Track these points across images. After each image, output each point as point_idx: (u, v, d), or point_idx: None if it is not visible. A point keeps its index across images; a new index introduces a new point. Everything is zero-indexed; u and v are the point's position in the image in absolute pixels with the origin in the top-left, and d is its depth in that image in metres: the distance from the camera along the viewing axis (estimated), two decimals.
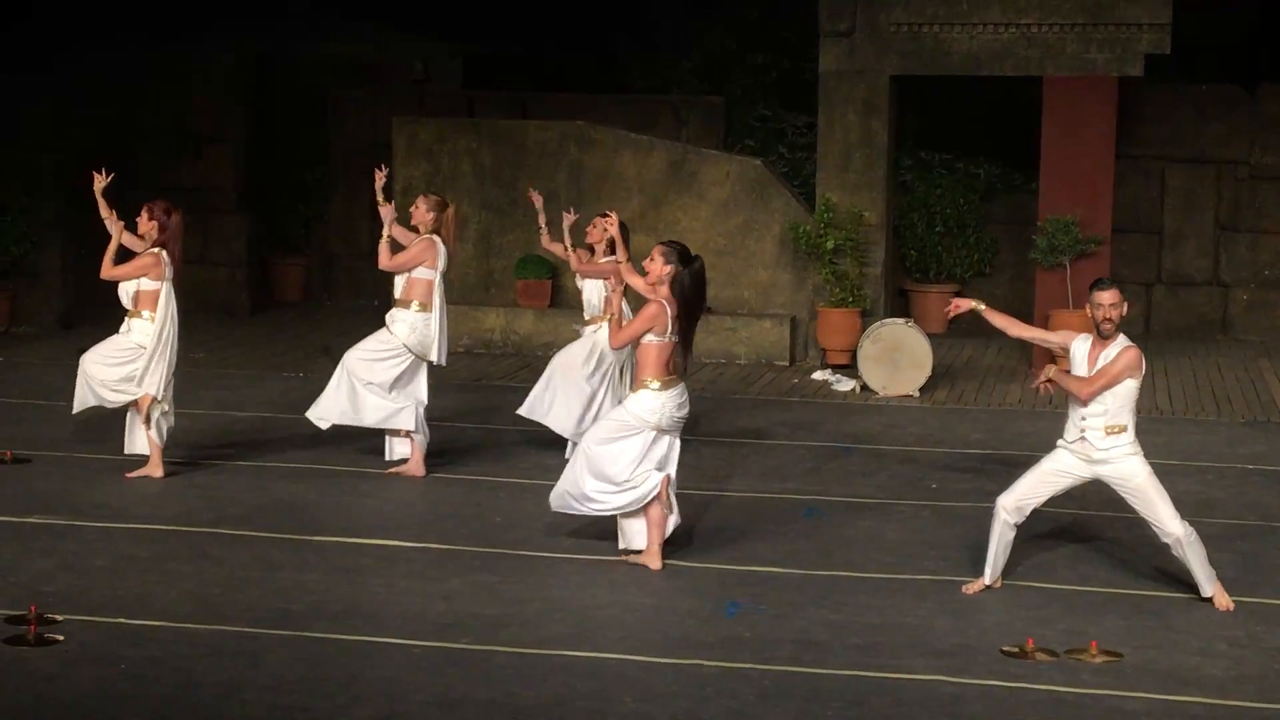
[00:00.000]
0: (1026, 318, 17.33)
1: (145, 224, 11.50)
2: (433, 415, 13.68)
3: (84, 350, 11.77)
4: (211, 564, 9.56)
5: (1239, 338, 18.55)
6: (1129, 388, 8.87)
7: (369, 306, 19.95)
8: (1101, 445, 8.88)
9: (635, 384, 9.69)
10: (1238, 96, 18.66)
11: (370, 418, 11.67)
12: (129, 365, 11.42)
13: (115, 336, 11.59)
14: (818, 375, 15.90)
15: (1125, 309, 8.95)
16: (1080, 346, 9.01)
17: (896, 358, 15.03)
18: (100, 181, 11.69)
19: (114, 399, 11.51)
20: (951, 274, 18.89)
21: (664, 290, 9.53)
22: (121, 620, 8.47)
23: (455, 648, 8.16)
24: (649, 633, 8.46)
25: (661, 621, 8.65)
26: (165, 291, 11.39)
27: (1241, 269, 18.78)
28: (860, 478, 11.93)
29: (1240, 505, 11.29)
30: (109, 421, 13.44)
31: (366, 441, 12.43)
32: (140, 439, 11.54)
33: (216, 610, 8.67)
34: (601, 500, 9.58)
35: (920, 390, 15.06)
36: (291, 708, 7.37)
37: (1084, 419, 8.91)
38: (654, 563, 9.55)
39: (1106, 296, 8.86)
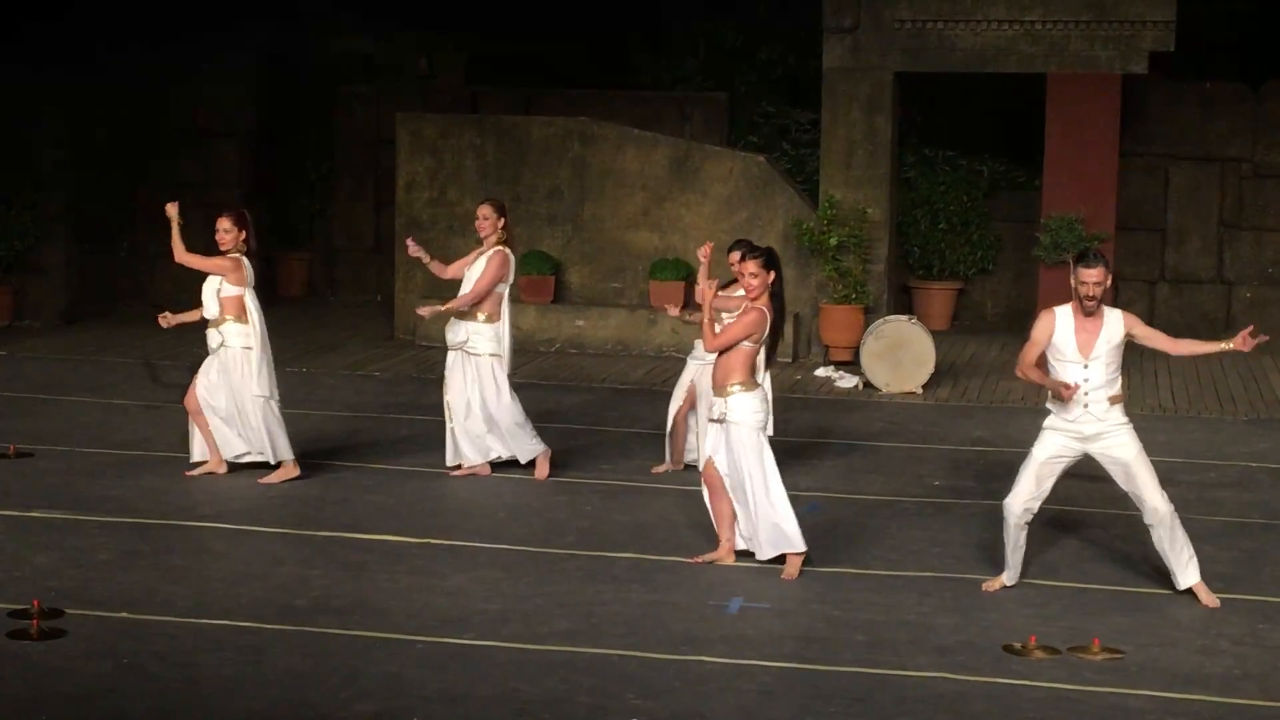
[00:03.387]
0: (1029, 315, 17.35)
1: (235, 236, 11.37)
2: (435, 411, 13.70)
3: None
4: (215, 558, 9.57)
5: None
6: (1122, 352, 8.94)
7: (372, 301, 20.00)
8: (1103, 416, 8.85)
9: (721, 389, 9.46)
10: (1242, 94, 18.66)
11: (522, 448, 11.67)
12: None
13: (214, 375, 11.39)
14: (820, 372, 15.90)
15: (1110, 282, 8.87)
16: (1064, 326, 8.86)
17: (899, 355, 15.03)
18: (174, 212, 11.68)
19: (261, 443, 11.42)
20: (955, 271, 18.89)
21: (764, 298, 9.51)
22: (124, 614, 8.48)
23: (458, 643, 8.17)
24: (651, 629, 8.47)
25: (664, 617, 8.66)
26: (249, 296, 11.33)
27: (1245, 267, 18.78)
28: (863, 475, 11.93)
29: (1243, 503, 11.29)
30: (111, 415, 13.46)
31: (373, 438, 12.46)
32: (199, 445, 11.51)
33: (220, 605, 8.68)
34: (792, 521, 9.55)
35: (923, 387, 15.06)
36: (294, 702, 7.37)
37: (1088, 393, 8.83)
38: (728, 557, 9.66)
39: (1093, 274, 8.75)
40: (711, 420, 9.62)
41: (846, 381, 15.47)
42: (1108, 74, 16.08)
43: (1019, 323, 18.43)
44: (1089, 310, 8.82)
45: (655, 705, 7.38)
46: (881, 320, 15.39)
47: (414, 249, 11.78)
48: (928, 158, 19.12)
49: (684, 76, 20.56)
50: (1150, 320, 18.63)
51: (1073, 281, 8.86)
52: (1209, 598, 8.91)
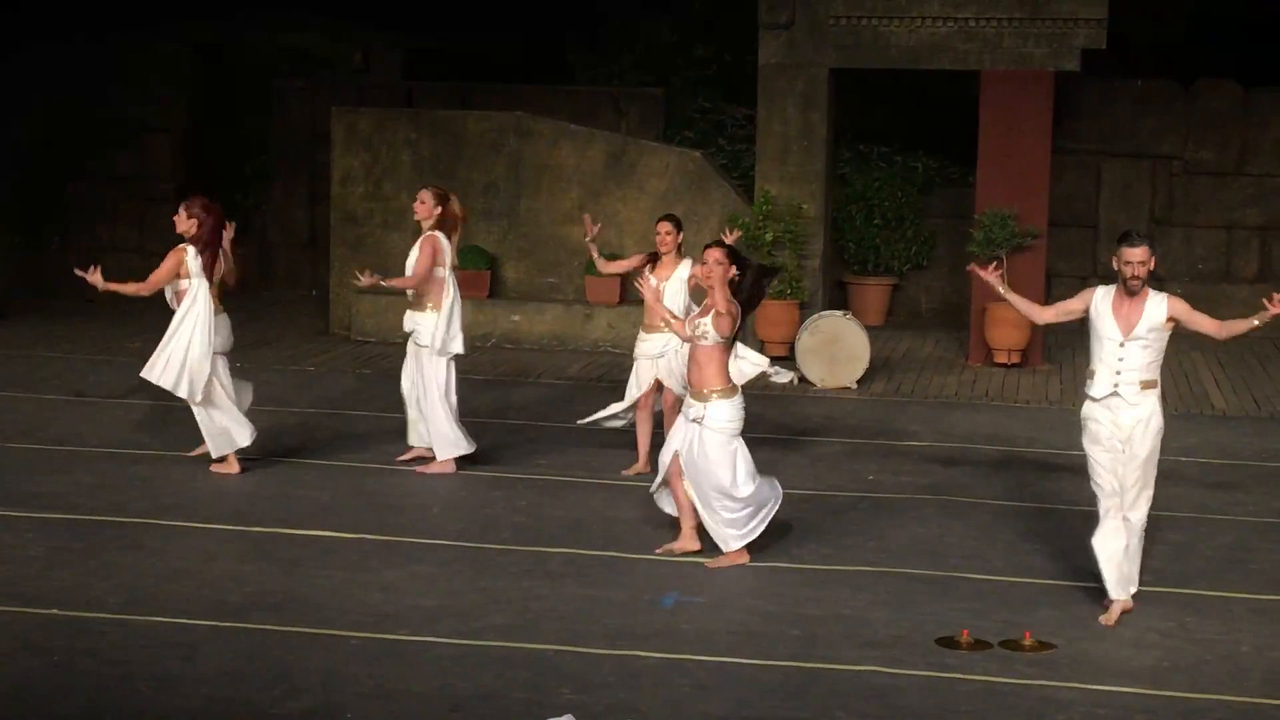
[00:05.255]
0: (963, 311, 17.48)
1: (184, 223, 11.36)
2: (370, 406, 13.67)
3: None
4: (147, 555, 9.51)
5: (1172, 331, 18.66)
6: (1165, 339, 8.84)
7: (307, 296, 19.91)
8: (1135, 400, 8.69)
9: (700, 393, 9.51)
10: (1173, 92, 18.83)
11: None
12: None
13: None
14: None
15: (1154, 264, 8.76)
16: (1103, 302, 8.76)
17: (834, 350, 15.09)
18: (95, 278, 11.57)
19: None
20: (889, 267, 18.97)
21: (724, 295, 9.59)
22: (55, 611, 8.42)
23: (392, 639, 8.15)
24: (586, 624, 8.48)
25: (599, 612, 8.67)
26: (194, 287, 11.24)
27: (1176, 263, 18.94)
28: (797, 469, 11.97)
29: (1172, 497, 11.36)
30: (42, 410, 13.35)
31: (308, 433, 12.41)
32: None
33: (152, 602, 8.63)
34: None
35: (858, 382, 15.12)
36: (227, 699, 7.34)
37: (1120, 373, 8.70)
38: (692, 544, 9.70)
39: (1137, 254, 8.64)
40: (690, 420, 9.56)
41: (782, 376, 15.44)
42: (1041, 71, 16.18)
43: (953, 318, 18.55)
44: (1133, 290, 8.71)
45: (590, 700, 7.39)
46: (817, 315, 15.44)
47: (369, 278, 11.65)
48: (863, 154, 19.19)
49: (619, 72, 20.56)
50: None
51: (1115, 264, 8.74)
52: (1110, 618, 8.69)
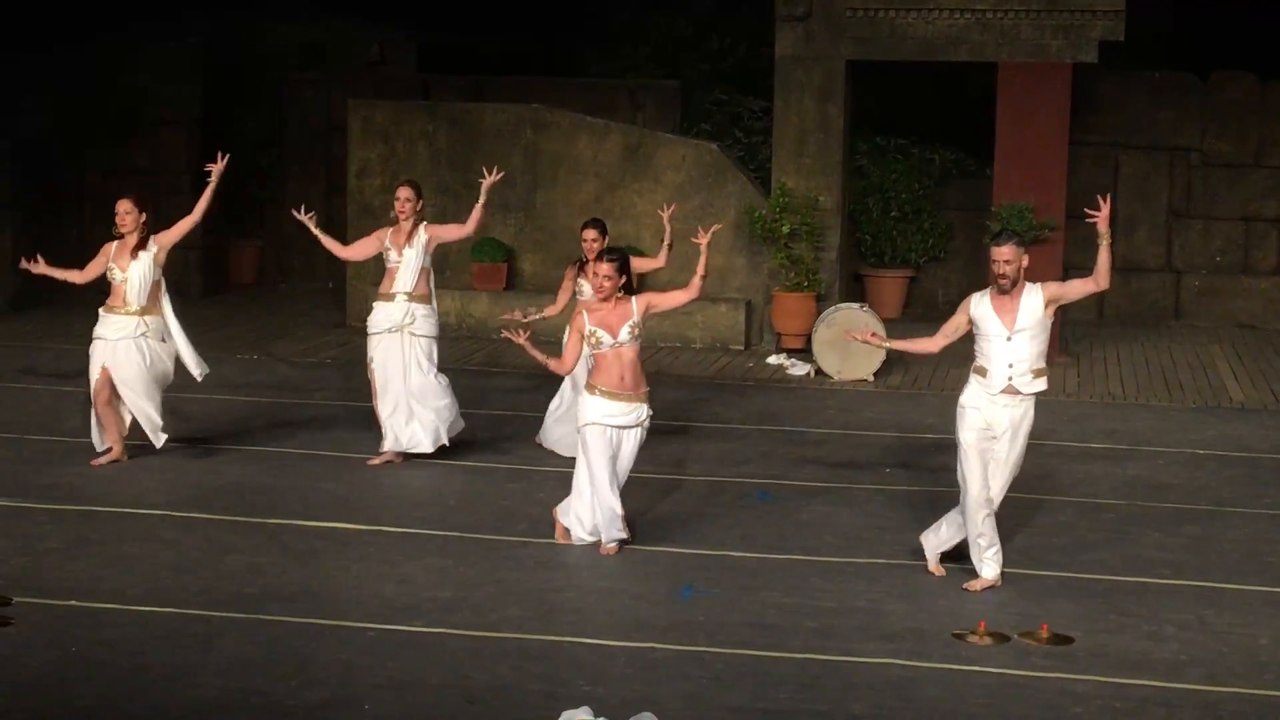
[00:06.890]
0: None
1: (137, 218, 11.62)
2: None
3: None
4: (164, 546, 9.53)
5: (1191, 324, 18.66)
6: (1049, 327, 9.05)
7: (323, 289, 19.92)
8: (1028, 389, 8.97)
9: (638, 393, 9.63)
10: (1190, 84, 18.77)
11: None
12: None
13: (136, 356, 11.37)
14: (773, 360, 15.93)
15: (1026, 261, 8.97)
16: (981, 304, 9.07)
17: (851, 342, 15.04)
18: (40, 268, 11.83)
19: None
20: (906, 259, 18.94)
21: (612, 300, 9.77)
22: (73, 603, 8.44)
23: (408, 630, 8.16)
24: (602, 616, 8.48)
25: (615, 604, 8.67)
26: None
27: (1193, 255, 18.90)
28: (814, 462, 11.96)
29: (1190, 490, 11.36)
30: (59, 403, 13.38)
31: (324, 425, 12.41)
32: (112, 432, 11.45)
33: (169, 593, 8.64)
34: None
35: (874, 375, 15.10)
36: (244, 690, 7.35)
37: (1012, 364, 8.93)
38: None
39: (1004, 252, 8.91)
40: (627, 427, 9.58)
41: (798, 369, 15.50)
42: (1058, 63, 16.14)
43: None
44: (1003, 288, 8.97)
45: (606, 692, 7.39)
46: (833, 308, 15.42)
47: (304, 217, 12.21)
48: (880, 146, 19.16)
49: (635, 65, 20.54)
50: (1101, 309, 18.75)
51: (992, 265, 9.00)
52: (980, 585, 9.02)
